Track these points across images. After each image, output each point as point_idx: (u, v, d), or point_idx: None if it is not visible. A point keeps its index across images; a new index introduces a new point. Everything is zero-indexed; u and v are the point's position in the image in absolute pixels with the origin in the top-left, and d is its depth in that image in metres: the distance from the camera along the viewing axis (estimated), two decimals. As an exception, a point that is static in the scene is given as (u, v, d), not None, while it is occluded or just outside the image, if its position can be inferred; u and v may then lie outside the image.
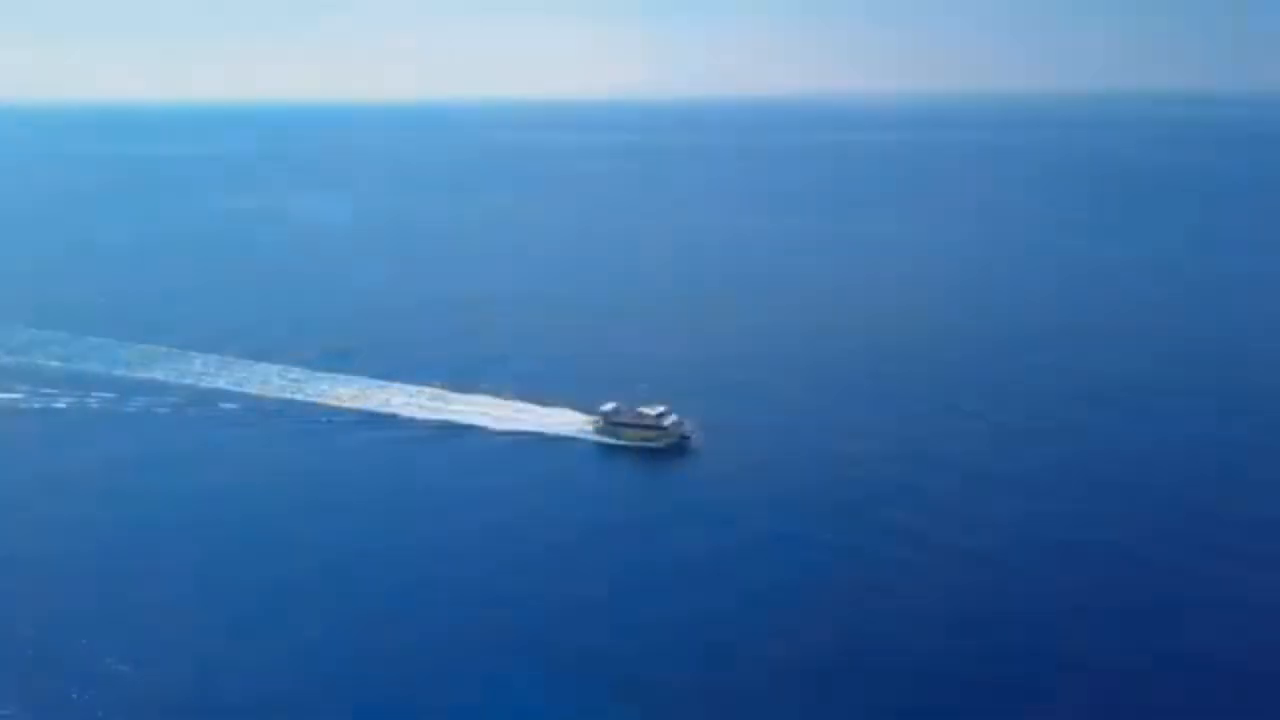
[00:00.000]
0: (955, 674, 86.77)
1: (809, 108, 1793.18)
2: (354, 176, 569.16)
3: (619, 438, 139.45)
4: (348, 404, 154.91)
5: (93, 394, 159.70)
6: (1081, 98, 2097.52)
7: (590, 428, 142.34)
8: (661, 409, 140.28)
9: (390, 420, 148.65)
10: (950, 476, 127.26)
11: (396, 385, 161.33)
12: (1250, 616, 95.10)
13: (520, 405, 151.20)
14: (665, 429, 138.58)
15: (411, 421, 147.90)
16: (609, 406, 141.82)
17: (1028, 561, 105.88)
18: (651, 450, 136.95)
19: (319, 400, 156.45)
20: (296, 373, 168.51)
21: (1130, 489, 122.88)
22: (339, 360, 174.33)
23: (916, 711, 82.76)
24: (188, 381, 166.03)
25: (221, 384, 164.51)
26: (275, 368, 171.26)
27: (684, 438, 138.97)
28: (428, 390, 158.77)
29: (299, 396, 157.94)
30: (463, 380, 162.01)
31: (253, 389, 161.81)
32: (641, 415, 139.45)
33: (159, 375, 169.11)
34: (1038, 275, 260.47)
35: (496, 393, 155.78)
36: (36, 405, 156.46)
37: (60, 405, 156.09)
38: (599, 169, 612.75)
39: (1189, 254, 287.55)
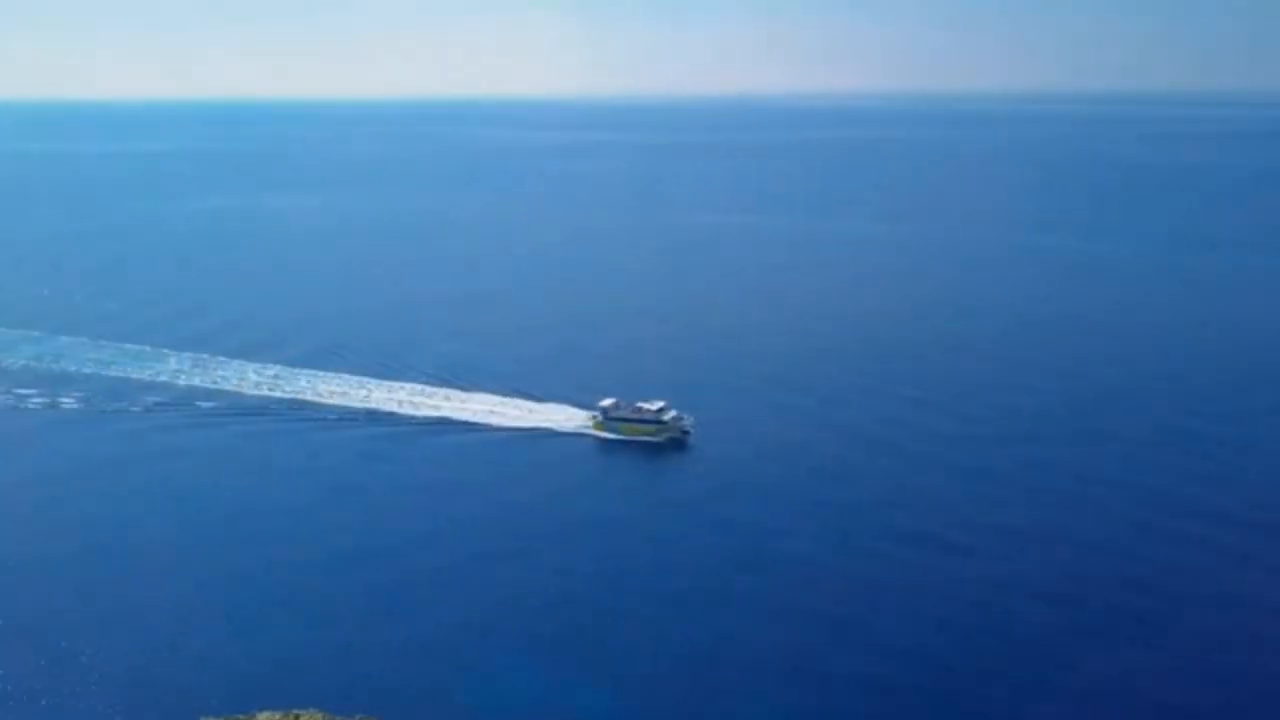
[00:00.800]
0: (953, 670, 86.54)
1: (806, 107, 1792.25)
2: (350, 175, 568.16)
3: (619, 433, 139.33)
4: (344, 401, 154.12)
5: (71, 393, 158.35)
6: (1081, 97, 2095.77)
7: (590, 423, 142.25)
8: (661, 404, 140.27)
9: (390, 417, 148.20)
10: (945, 474, 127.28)
11: (395, 383, 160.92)
12: (1250, 616, 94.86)
13: (521, 402, 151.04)
14: (665, 424, 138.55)
15: (411, 418, 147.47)
16: (609, 402, 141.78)
17: (1025, 560, 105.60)
18: (651, 445, 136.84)
19: (319, 399, 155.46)
20: (293, 371, 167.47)
21: (1128, 488, 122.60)
22: (334, 359, 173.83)
23: (914, 707, 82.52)
24: (185, 381, 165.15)
25: (208, 383, 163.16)
26: (265, 366, 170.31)
27: (684, 433, 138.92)
28: (427, 388, 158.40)
29: (296, 395, 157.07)
30: (463, 377, 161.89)
31: (235, 386, 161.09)
32: (641, 410, 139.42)
33: (161, 375, 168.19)
34: (1036, 274, 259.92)
35: (497, 389, 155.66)
36: (10, 404, 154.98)
37: (35, 404, 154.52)
38: (595, 168, 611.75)
39: (1188, 253, 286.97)
